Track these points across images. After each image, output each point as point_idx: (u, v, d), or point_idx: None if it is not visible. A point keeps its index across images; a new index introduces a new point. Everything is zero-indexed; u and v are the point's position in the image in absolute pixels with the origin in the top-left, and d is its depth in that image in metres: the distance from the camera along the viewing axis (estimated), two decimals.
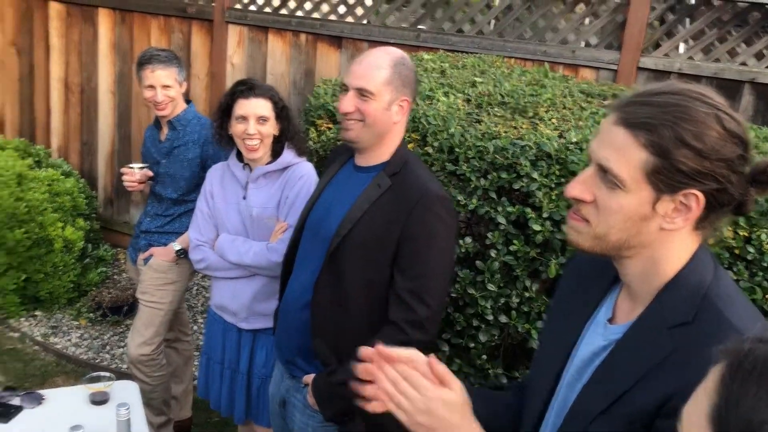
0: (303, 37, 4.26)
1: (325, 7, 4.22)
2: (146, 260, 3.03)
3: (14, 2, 5.23)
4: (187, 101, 3.03)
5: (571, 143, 2.19)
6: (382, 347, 1.04)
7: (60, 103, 5.25)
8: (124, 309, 4.14)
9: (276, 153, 2.42)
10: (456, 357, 2.42)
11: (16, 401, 2.26)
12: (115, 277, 4.61)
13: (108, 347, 3.90)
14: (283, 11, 4.35)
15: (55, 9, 5.11)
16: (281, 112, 2.38)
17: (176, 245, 2.94)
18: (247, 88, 2.37)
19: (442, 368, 1.04)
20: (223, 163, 2.54)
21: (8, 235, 3.98)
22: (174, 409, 3.22)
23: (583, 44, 3.64)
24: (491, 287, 2.27)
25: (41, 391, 2.39)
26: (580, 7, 3.62)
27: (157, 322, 2.99)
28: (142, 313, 3.00)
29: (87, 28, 4.99)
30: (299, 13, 4.31)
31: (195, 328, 3.63)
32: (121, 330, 4.05)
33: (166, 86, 2.88)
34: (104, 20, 4.91)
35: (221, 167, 2.54)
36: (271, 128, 2.37)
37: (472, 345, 2.38)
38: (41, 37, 5.20)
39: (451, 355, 2.41)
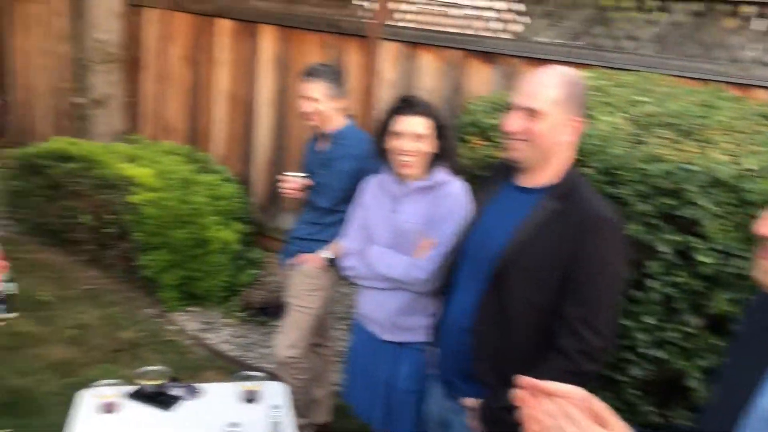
0: (455, 53, 4.27)
1: (477, 23, 4.21)
2: (297, 265, 3.15)
3: (189, 19, 5.68)
4: (349, 116, 3.13)
5: (748, 170, 2.02)
6: (539, 381, 1.01)
7: (223, 114, 5.61)
8: (271, 311, 4.32)
9: (431, 169, 2.43)
10: (604, 389, 2.30)
11: (176, 392, 2.42)
12: (265, 279, 4.84)
13: (254, 346, 4.09)
14: (436, 27, 4.39)
15: (222, 25, 5.49)
16: (441, 130, 2.38)
17: (326, 253, 3.03)
18: (405, 104, 2.40)
19: (601, 406, 0.99)
20: (378, 176, 2.59)
21: (173, 234, 4.30)
22: (314, 412, 3.32)
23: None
24: (648, 319, 2.14)
25: (197, 385, 2.54)
26: (755, 23, 3.36)
27: (304, 326, 3.10)
28: (290, 317, 3.12)
29: (250, 43, 5.31)
30: (451, 30, 4.34)
31: (336, 334, 3.73)
32: (267, 330, 4.23)
33: (313, 99, 3.00)
34: (267, 36, 5.20)
35: (376, 179, 2.59)
36: (428, 146, 2.38)
37: (623, 378, 2.26)
38: (208, 51, 5.60)
39: (598, 387, 2.31)
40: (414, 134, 2.36)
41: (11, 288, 3.33)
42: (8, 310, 3.26)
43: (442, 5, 4.37)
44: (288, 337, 3.08)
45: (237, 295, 4.60)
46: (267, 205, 5.41)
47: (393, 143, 2.39)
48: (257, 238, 5.15)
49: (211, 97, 5.66)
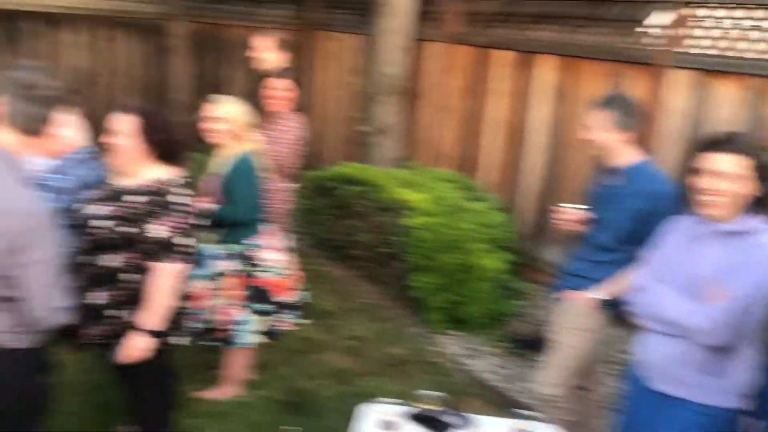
0: (759, 81, 3.84)
1: None
2: (565, 301, 3.05)
3: (469, 52, 5.88)
4: (645, 151, 2.98)
5: None
6: None
7: (494, 142, 5.70)
8: (534, 344, 4.24)
9: (745, 214, 2.19)
10: None
11: (450, 419, 2.47)
12: (529, 311, 4.78)
13: (516, 379, 4.04)
14: (733, 53, 4.00)
15: (499, 56, 5.58)
16: (762, 171, 2.14)
17: (599, 292, 2.91)
18: (711, 140, 2.21)
19: None
20: (681, 216, 2.41)
21: (442, 258, 4.45)
22: None
23: None
24: None
25: (469, 415, 2.56)
26: None
27: (566, 365, 3.01)
28: (553, 353, 3.05)
29: (526, 73, 5.33)
30: (751, 55, 3.91)
31: (603, 379, 3.53)
32: (529, 364, 4.16)
33: (593, 128, 2.90)
34: (544, 65, 5.17)
35: (679, 219, 2.41)
36: (739, 186, 2.15)
37: None
38: (485, 82, 5.74)
39: None
40: (717, 172, 2.16)
41: (305, 297, 3.71)
42: (302, 317, 3.64)
43: (746, 29, 3.96)
44: (549, 375, 3.03)
45: (499, 324, 4.60)
46: (534, 236, 5.35)
47: (694, 181, 2.21)
48: (522, 269, 5.11)
49: (484, 126, 5.78)
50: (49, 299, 2.01)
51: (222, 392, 3.58)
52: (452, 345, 4.46)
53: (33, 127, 1.99)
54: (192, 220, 2.59)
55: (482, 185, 5.51)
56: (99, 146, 2.94)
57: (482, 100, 5.78)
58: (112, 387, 2.97)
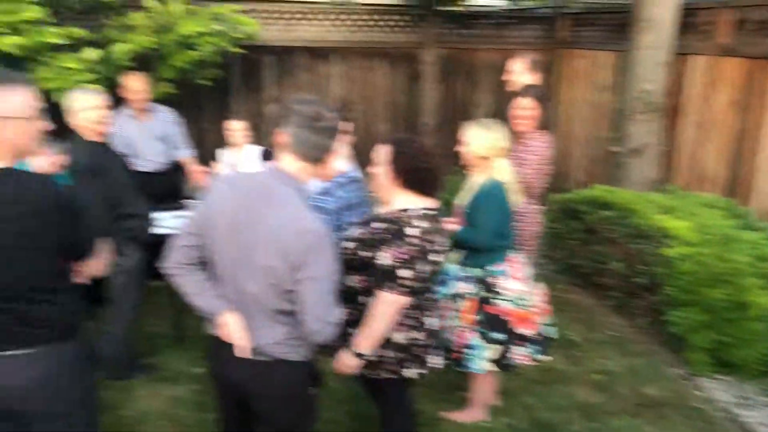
0: None
1: None
2: None
3: (741, 64, 5.30)
4: None
5: None
6: None
7: None
8: None
9: None
10: None
11: None
12: None
13: None
14: None
15: None
16: None
17: None
18: None
19: None
20: None
21: (708, 293, 4.01)
22: None
23: None
24: None
25: None
26: None
27: None
28: None
29: None
30: None
31: None
32: None
33: None
34: None
35: None
36: None
37: None
38: (758, 96, 5.12)
39: None
40: None
41: (551, 332, 3.47)
42: (543, 353, 3.38)
43: None
44: None
45: None
46: None
47: None
48: None
49: (759, 146, 5.15)
50: (323, 314, 2.15)
51: (468, 415, 3.57)
52: (719, 390, 3.98)
53: (316, 155, 2.16)
54: (424, 254, 2.51)
55: (756, 213, 4.89)
56: (363, 173, 3.11)
57: (757, 118, 5.16)
58: (368, 398, 3.11)
